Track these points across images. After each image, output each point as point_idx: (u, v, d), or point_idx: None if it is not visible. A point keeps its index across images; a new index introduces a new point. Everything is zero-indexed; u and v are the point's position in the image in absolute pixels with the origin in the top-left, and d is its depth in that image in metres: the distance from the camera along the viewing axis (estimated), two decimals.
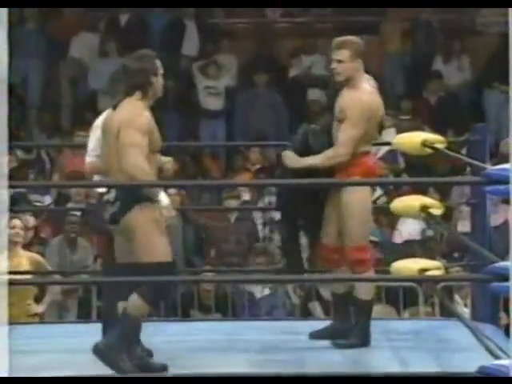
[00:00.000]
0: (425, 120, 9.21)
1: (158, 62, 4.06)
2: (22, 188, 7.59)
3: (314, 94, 9.35)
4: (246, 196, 8.17)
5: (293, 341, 4.72)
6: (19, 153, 8.71)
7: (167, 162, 4.19)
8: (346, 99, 4.55)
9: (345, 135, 4.52)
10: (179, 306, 6.91)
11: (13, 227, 5.88)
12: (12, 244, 5.87)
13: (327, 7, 9.42)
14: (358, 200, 4.54)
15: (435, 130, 7.56)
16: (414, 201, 4.70)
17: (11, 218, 5.94)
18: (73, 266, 7.39)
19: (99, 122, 4.28)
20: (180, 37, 9.67)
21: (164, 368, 4.04)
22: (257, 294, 7.16)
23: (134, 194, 3.92)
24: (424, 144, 4.80)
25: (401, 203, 4.79)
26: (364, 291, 4.62)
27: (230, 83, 9.53)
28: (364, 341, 4.59)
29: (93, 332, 4.91)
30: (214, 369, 4.12)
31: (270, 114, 9.34)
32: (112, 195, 3.94)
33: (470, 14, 9.89)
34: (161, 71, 4.06)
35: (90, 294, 7.09)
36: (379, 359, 4.41)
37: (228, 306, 6.91)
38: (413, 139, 4.89)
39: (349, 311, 4.70)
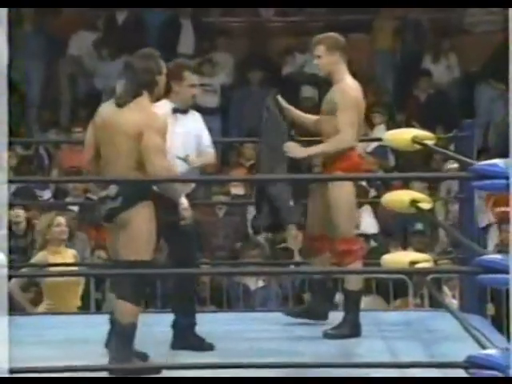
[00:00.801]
0: (414, 117, 9.24)
1: (162, 62, 4.05)
2: (21, 183, 7.56)
3: (307, 92, 9.36)
4: (239, 190, 8.18)
5: (286, 331, 4.74)
6: (19, 149, 8.72)
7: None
8: (336, 92, 4.63)
9: (344, 122, 4.58)
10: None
11: (58, 225, 5.86)
12: (57, 241, 5.86)
13: (320, 7, 9.42)
14: (344, 194, 4.59)
15: (425, 126, 7.57)
16: (403, 195, 4.72)
17: (56, 215, 5.95)
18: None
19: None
20: (176, 35, 9.66)
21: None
22: (251, 286, 7.18)
23: (139, 192, 3.91)
24: (414, 140, 4.82)
25: (391, 197, 4.81)
26: (353, 282, 4.65)
27: (225, 81, 9.53)
28: (354, 331, 4.62)
29: (91, 323, 4.94)
30: (210, 358, 4.14)
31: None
32: (113, 191, 3.92)
33: (459, 14, 9.90)
34: (164, 70, 4.05)
35: (88, 286, 7.09)
36: (370, 349, 4.43)
37: (223, 298, 6.93)
38: (403, 135, 4.91)
39: (326, 293, 4.76)
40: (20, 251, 7.45)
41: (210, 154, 4.60)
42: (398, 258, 4.64)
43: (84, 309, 6.90)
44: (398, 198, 4.74)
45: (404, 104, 9.66)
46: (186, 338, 4.41)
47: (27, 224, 7.57)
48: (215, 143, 10.10)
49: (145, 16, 9.77)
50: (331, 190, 4.60)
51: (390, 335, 4.69)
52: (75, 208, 7.87)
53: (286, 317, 4.85)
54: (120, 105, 3.97)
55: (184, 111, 4.51)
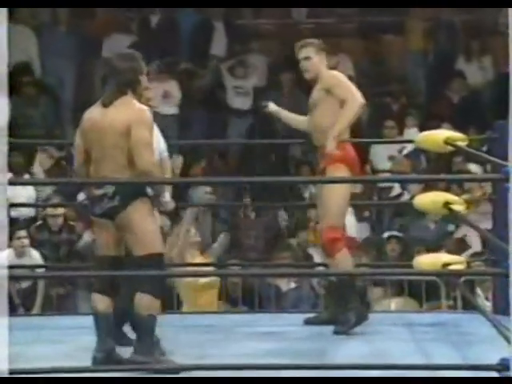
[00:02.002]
0: (447, 118, 9.17)
1: (143, 63, 4.12)
2: (22, 185, 7.57)
3: None
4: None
5: (317, 332, 4.72)
6: (53, 151, 8.76)
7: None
8: (324, 80, 4.77)
9: (347, 89, 4.74)
10: None
11: (187, 230, 6.02)
12: (192, 245, 6.06)
13: (325, 7, 9.42)
14: (336, 187, 4.67)
15: (457, 128, 7.51)
16: (437, 197, 4.68)
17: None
18: None
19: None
20: (209, 37, 9.67)
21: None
22: (283, 288, 7.16)
23: (135, 189, 3.97)
24: (446, 142, 4.78)
25: (424, 199, 4.78)
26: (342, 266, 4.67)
27: (257, 83, 9.53)
28: (362, 317, 4.66)
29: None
30: (241, 359, 4.13)
31: (296, 112, 9.32)
32: (110, 190, 3.96)
33: (492, 15, 9.82)
34: (145, 71, 4.12)
35: None
36: (402, 351, 4.40)
37: (255, 299, 6.92)
38: (435, 137, 4.89)
39: (342, 299, 4.75)
40: (53, 246, 7.50)
41: (167, 159, 4.68)
42: (431, 259, 4.60)
43: None
44: (431, 199, 4.70)
45: (436, 105, 9.59)
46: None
47: (64, 221, 7.61)
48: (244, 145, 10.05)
49: (178, 18, 9.79)
50: (324, 186, 4.71)
51: (422, 337, 4.66)
52: None
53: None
54: (106, 105, 4.03)
55: None
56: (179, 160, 8.94)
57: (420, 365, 3.97)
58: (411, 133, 8.62)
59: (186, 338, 4.62)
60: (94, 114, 4.07)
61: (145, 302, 3.94)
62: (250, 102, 9.38)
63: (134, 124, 3.95)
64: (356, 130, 9.22)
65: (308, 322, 4.84)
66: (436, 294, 6.84)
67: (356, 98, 4.74)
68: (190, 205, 8.13)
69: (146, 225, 3.95)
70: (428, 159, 8.70)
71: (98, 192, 3.99)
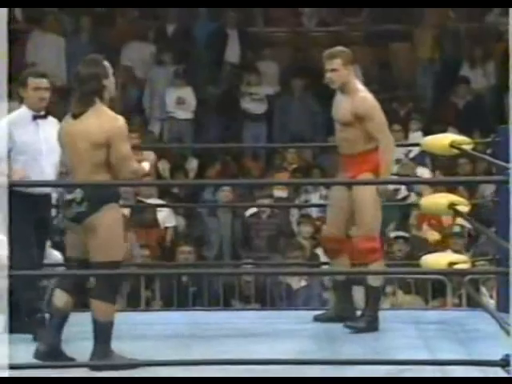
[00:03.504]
0: (452, 123, 9.14)
1: (107, 64, 4.01)
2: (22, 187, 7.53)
3: None
4: (282, 193, 8.16)
5: (328, 330, 4.70)
6: None
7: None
8: (357, 102, 4.63)
9: (379, 126, 4.62)
10: (221, 296, 6.92)
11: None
12: None
13: (321, 7, 9.41)
14: (370, 194, 4.58)
15: (462, 132, 7.47)
16: (442, 198, 4.66)
17: None
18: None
19: None
20: (223, 45, 9.68)
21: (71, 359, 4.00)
22: (294, 286, 7.14)
23: (103, 195, 3.92)
24: (452, 145, 4.76)
25: (430, 201, 4.75)
26: (375, 278, 4.64)
27: (270, 89, 9.53)
28: (372, 326, 4.59)
29: (141, 320, 4.95)
30: (252, 355, 4.11)
31: (306, 117, 9.34)
32: (78, 195, 3.92)
33: (494, 23, 9.80)
34: (111, 71, 4.01)
35: (138, 284, 7.11)
36: (408, 347, 4.37)
37: (267, 297, 6.90)
38: (441, 141, 4.87)
39: (350, 296, 4.72)
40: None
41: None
42: (437, 259, 4.57)
43: (133, 306, 6.92)
44: (437, 201, 4.68)
45: (442, 110, 9.56)
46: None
47: None
48: (260, 148, 10.17)
49: (193, 27, 9.80)
50: (356, 190, 4.60)
51: (428, 334, 4.63)
52: (126, 210, 7.89)
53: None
54: (76, 115, 3.94)
55: (43, 116, 4.56)
56: (194, 163, 8.97)
57: (425, 360, 3.94)
58: (416, 136, 8.60)
59: (198, 335, 4.60)
60: (65, 124, 4.01)
61: (100, 308, 3.90)
62: (264, 107, 9.37)
63: (111, 137, 3.86)
64: None
65: (317, 319, 4.80)
66: (442, 291, 6.80)
67: (387, 139, 4.61)
68: (205, 205, 8.13)
69: (110, 232, 3.89)
70: (433, 162, 8.67)
71: (68, 197, 3.96)
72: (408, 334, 4.61)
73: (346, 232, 4.74)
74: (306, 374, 3.67)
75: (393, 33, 9.81)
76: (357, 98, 4.64)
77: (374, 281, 4.65)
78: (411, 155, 8.61)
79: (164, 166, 8.82)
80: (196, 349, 4.25)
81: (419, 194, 7.77)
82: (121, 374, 3.78)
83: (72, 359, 3.98)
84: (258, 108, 9.37)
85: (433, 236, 7.75)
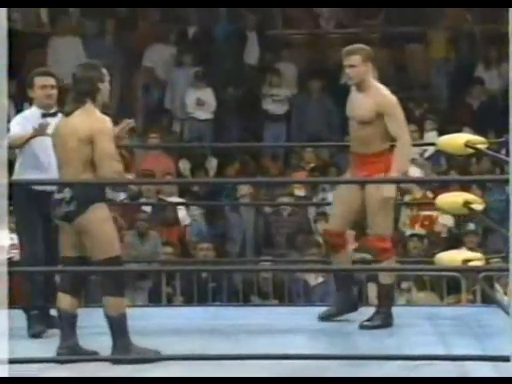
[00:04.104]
0: (467, 123, 9.10)
1: (104, 71, 4.08)
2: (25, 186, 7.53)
3: None
4: (301, 192, 8.16)
5: (343, 326, 4.69)
6: None
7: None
8: (376, 98, 4.56)
9: (398, 125, 4.54)
10: (241, 292, 6.93)
11: None
12: None
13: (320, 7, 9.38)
14: (382, 194, 4.52)
15: (477, 132, 7.44)
16: (457, 197, 4.64)
17: None
18: (143, 255, 7.43)
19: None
20: (242, 47, 9.69)
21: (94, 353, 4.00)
22: (311, 282, 7.13)
23: (91, 194, 3.93)
24: (467, 145, 4.74)
25: (445, 199, 4.74)
26: (386, 276, 4.61)
27: (290, 90, 9.53)
28: (387, 322, 4.56)
29: (163, 315, 4.96)
30: (269, 350, 4.11)
31: (323, 117, 9.34)
32: (67, 195, 3.93)
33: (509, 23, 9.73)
34: (107, 78, 4.07)
35: (160, 280, 7.13)
36: (423, 343, 4.36)
37: (285, 293, 6.90)
38: (456, 140, 4.85)
39: (351, 290, 4.70)
40: None
41: None
42: (452, 256, 4.55)
43: (155, 302, 6.95)
44: (452, 199, 4.66)
45: (457, 111, 9.53)
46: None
47: None
48: (279, 148, 10.15)
49: (213, 29, 9.81)
50: (369, 190, 4.54)
51: (443, 330, 4.61)
52: (148, 208, 7.92)
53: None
54: (67, 114, 4.01)
55: (52, 114, 4.55)
56: (214, 162, 8.99)
57: (440, 355, 3.93)
58: (430, 136, 8.57)
59: (218, 330, 4.60)
60: (57, 122, 4.05)
61: (112, 303, 3.91)
62: (284, 108, 9.38)
63: (95, 134, 3.90)
64: None
65: (322, 318, 4.72)
66: (457, 288, 6.78)
67: (407, 140, 4.54)
68: (224, 204, 8.15)
69: (102, 230, 3.91)
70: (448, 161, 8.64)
71: (58, 196, 3.97)
72: (423, 330, 4.60)
73: (347, 229, 4.70)
74: (323, 370, 3.67)
75: (409, 34, 9.78)
76: (378, 94, 4.57)
77: (386, 278, 4.61)
78: (426, 155, 8.59)
79: (185, 166, 8.85)
80: (216, 344, 4.26)
81: (408, 193, 7.75)
82: (143, 367, 3.78)
83: (95, 353, 3.99)
84: (279, 109, 9.38)
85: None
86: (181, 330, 4.60)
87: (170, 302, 6.89)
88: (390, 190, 4.54)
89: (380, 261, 4.58)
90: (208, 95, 9.26)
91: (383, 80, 10.56)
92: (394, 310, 4.70)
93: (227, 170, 8.65)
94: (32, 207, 4.46)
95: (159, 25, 9.83)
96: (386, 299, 4.62)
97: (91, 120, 3.93)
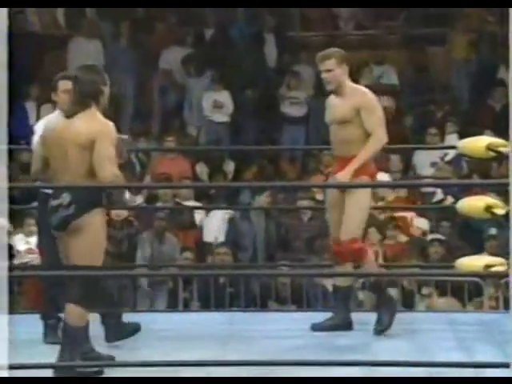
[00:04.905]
0: (489, 126, 9.07)
1: (105, 74, 4.08)
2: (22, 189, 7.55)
3: (384, 102, 9.29)
4: (321, 196, 8.15)
5: (363, 330, 4.69)
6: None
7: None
8: (355, 97, 4.55)
9: (374, 122, 4.52)
10: (258, 297, 6.94)
11: None
12: None
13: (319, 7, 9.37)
14: (361, 199, 4.51)
15: (499, 135, 7.41)
16: (478, 201, 4.62)
17: None
18: (161, 258, 7.46)
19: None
20: (260, 49, 9.70)
21: (111, 358, 3.98)
22: (329, 287, 7.13)
23: (91, 199, 3.91)
24: (489, 148, 4.72)
25: (466, 204, 4.72)
26: (342, 278, 4.58)
27: (308, 92, 9.53)
28: (344, 324, 4.52)
29: (180, 320, 4.98)
30: (288, 355, 4.12)
31: None
32: (66, 199, 3.90)
33: None
34: (108, 82, 4.08)
35: (176, 285, 7.16)
36: (444, 349, 4.35)
37: (303, 298, 6.90)
38: (478, 143, 4.83)
39: (349, 304, 4.66)
40: (115, 241, 7.57)
41: None
42: (473, 261, 4.54)
43: (172, 307, 6.97)
44: (473, 203, 4.65)
45: (479, 113, 9.49)
46: (114, 330, 4.40)
47: (125, 221, 7.66)
48: (298, 151, 10.13)
49: (230, 31, 9.83)
50: (348, 193, 4.53)
51: (464, 336, 4.60)
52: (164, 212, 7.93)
53: (361, 315, 4.80)
54: (69, 116, 3.98)
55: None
56: (231, 166, 9.00)
57: (460, 362, 3.92)
58: (451, 139, 8.55)
59: (236, 335, 4.62)
60: (55, 124, 4.02)
61: (74, 312, 3.88)
62: (303, 110, 9.37)
63: (97, 138, 3.89)
64: (400, 137, 9.16)
65: (315, 328, 4.61)
66: (478, 294, 6.76)
67: (381, 138, 4.52)
68: (242, 208, 8.16)
69: (96, 237, 3.88)
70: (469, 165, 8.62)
71: (55, 202, 3.94)
72: (444, 335, 4.59)
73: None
74: (343, 375, 3.67)
75: (430, 36, 9.76)
76: (356, 93, 4.57)
77: (342, 281, 4.58)
78: (447, 158, 8.56)
79: (202, 169, 8.86)
80: (234, 349, 4.27)
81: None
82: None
83: (111, 358, 3.98)
84: (297, 111, 9.37)
85: (401, 239, 7.72)
86: (197, 335, 4.62)
87: (186, 308, 6.91)
88: (364, 195, 4.52)
89: (360, 263, 4.52)
90: (225, 98, 9.27)
91: (403, 82, 10.56)
92: (415, 315, 4.69)
93: (245, 173, 8.66)
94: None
95: (176, 27, 9.85)
96: (342, 302, 4.58)
97: (94, 124, 3.93)
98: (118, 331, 4.38)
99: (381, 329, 4.58)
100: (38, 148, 4.09)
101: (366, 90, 4.63)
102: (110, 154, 3.88)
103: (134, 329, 4.38)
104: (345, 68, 4.65)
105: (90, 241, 3.88)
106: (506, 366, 3.50)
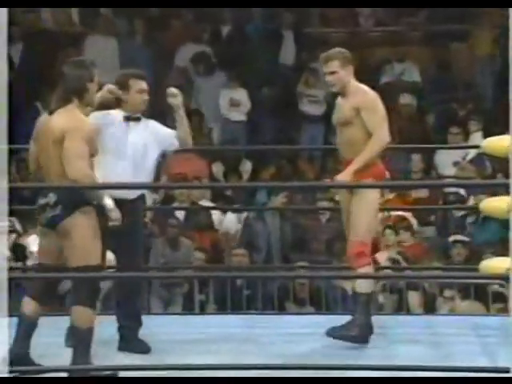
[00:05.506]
0: None
1: (95, 70, 4.02)
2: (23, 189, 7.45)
3: (406, 99, 9.25)
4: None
5: (383, 334, 4.66)
6: None
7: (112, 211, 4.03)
8: (356, 98, 4.50)
9: (375, 122, 4.46)
10: (276, 299, 6.92)
11: None
12: None
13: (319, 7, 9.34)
14: (369, 200, 4.46)
15: None
16: (501, 202, 4.59)
17: None
18: (175, 262, 7.44)
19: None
20: (277, 46, 9.68)
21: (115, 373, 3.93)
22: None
23: (76, 198, 3.88)
24: None
25: (489, 204, 4.70)
26: (363, 285, 4.47)
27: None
28: (363, 335, 4.40)
29: (194, 324, 4.96)
30: (306, 359, 4.10)
31: None
32: (52, 199, 3.89)
33: None
34: (96, 79, 4.02)
35: (192, 288, 7.15)
36: (467, 353, 4.32)
37: (322, 301, 6.87)
38: (501, 142, 4.80)
39: (370, 310, 4.55)
40: None
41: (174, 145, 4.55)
42: (497, 263, 4.50)
43: (188, 310, 6.96)
44: (496, 204, 4.61)
45: (503, 111, 9.42)
46: (129, 340, 4.37)
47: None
48: (317, 150, 10.10)
49: (247, 28, 9.81)
50: (355, 194, 4.49)
51: (488, 340, 4.57)
52: (181, 213, 7.94)
53: (383, 319, 4.77)
54: (51, 112, 3.95)
55: (137, 119, 4.48)
56: (248, 165, 8.98)
57: (485, 367, 3.89)
58: (475, 137, 8.49)
59: (252, 338, 4.60)
60: (41, 121, 4.00)
61: (81, 314, 3.86)
62: (321, 108, 9.34)
63: (67, 133, 3.85)
64: (421, 136, 9.11)
65: (329, 334, 4.49)
66: (502, 297, 6.71)
67: (382, 138, 4.47)
68: (258, 208, 8.14)
69: (84, 236, 3.86)
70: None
71: (42, 201, 3.93)
72: (467, 340, 4.56)
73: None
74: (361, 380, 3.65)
75: (452, 32, 9.70)
76: (358, 93, 4.52)
77: (363, 287, 4.46)
78: (469, 157, 8.51)
79: (218, 169, 8.85)
80: (250, 352, 4.26)
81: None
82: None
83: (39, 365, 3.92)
84: (316, 110, 9.34)
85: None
86: (214, 339, 4.61)
87: (202, 310, 6.90)
88: (371, 196, 4.47)
89: (355, 267, 4.44)
90: (242, 96, 9.26)
91: (425, 79, 10.49)
92: (437, 318, 4.66)
93: (262, 173, 8.64)
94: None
95: (192, 24, 9.85)
96: (364, 310, 4.46)
97: (67, 119, 3.88)
98: (132, 344, 4.35)
99: (338, 335, 4.42)
100: (32, 148, 4.08)
101: (367, 90, 4.56)
102: (79, 151, 3.83)
103: (145, 349, 4.34)
104: (349, 69, 4.59)
105: (78, 242, 3.86)
106: (506, 370, 3.47)
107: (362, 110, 4.48)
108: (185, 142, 4.61)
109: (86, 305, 3.86)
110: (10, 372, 3.79)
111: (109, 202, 3.92)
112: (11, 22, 9.56)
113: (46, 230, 3.96)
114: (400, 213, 7.74)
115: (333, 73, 4.57)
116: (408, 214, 7.80)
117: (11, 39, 9.42)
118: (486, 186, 7.05)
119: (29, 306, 3.96)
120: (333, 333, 4.43)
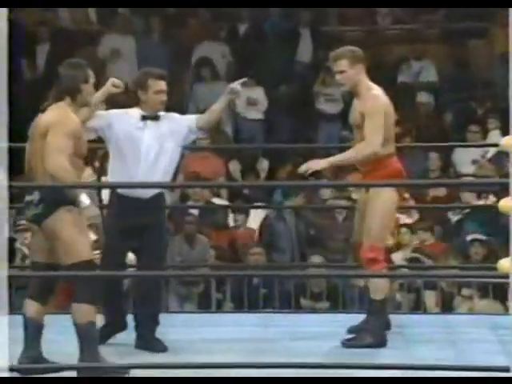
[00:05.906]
0: None
1: (90, 72, 4.03)
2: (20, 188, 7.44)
3: (423, 98, 9.23)
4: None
5: (400, 334, 4.66)
6: None
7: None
8: (365, 101, 4.45)
9: (370, 127, 4.38)
10: (293, 298, 6.92)
11: None
12: None
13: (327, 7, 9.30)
14: (383, 202, 4.39)
15: None
16: None
17: None
18: (192, 260, 7.46)
19: None
20: (295, 44, 9.68)
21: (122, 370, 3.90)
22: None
23: (58, 197, 3.88)
24: None
25: (507, 203, 4.67)
26: (378, 291, 4.41)
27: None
28: (378, 340, 4.35)
29: (212, 322, 4.98)
30: (323, 358, 4.10)
31: None
32: (36, 197, 3.90)
33: None
34: (92, 80, 4.03)
35: (209, 286, 7.16)
36: (485, 352, 4.31)
37: (339, 299, 6.87)
38: None
39: (385, 313, 4.51)
40: None
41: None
42: None
43: (205, 308, 6.98)
44: None
45: None
46: (146, 339, 4.37)
47: None
48: (334, 148, 10.11)
49: (265, 26, 9.82)
50: (371, 197, 4.42)
51: (506, 339, 4.55)
52: (196, 211, 7.95)
53: (400, 319, 4.76)
54: (43, 110, 3.98)
55: (155, 117, 4.44)
56: (265, 164, 8.98)
57: (503, 367, 3.87)
58: (493, 135, 8.46)
59: (269, 338, 4.60)
60: (35, 119, 4.03)
61: (81, 310, 3.85)
62: (338, 107, 9.33)
63: (50, 127, 3.87)
64: (440, 134, 9.06)
65: (346, 345, 4.43)
66: None
67: (373, 144, 4.35)
68: (274, 206, 8.14)
69: (70, 233, 3.86)
70: None
71: (28, 198, 3.94)
72: (485, 339, 4.55)
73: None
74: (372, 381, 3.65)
75: (470, 30, 9.67)
76: (367, 96, 4.45)
77: (378, 294, 4.41)
78: (488, 156, 8.48)
79: (235, 167, 8.86)
80: (267, 350, 4.26)
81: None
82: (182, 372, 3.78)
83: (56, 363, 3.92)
84: (333, 108, 9.33)
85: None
86: (230, 337, 4.62)
87: (219, 309, 6.91)
88: (389, 194, 4.39)
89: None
90: (259, 94, 9.26)
91: (443, 78, 10.45)
92: (455, 318, 4.65)
93: (279, 171, 8.64)
94: (121, 214, 4.34)
95: (209, 22, 9.86)
96: (378, 316, 4.41)
97: (52, 114, 3.91)
98: (150, 343, 4.36)
99: (354, 344, 4.38)
100: (27, 146, 4.08)
101: (376, 94, 4.47)
102: (60, 146, 3.84)
103: (162, 348, 4.34)
104: (359, 67, 4.50)
105: (65, 240, 3.86)
106: (505, 369, 3.45)
107: (365, 115, 4.43)
108: (207, 121, 4.54)
109: (85, 301, 3.87)
110: (23, 372, 3.79)
111: (84, 199, 3.90)
112: (40, 23, 9.66)
113: (34, 228, 3.99)
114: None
115: (342, 72, 4.51)
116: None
117: (39, 40, 9.51)
118: (502, 185, 7.02)
119: (31, 307, 3.96)
120: (348, 344, 4.40)
